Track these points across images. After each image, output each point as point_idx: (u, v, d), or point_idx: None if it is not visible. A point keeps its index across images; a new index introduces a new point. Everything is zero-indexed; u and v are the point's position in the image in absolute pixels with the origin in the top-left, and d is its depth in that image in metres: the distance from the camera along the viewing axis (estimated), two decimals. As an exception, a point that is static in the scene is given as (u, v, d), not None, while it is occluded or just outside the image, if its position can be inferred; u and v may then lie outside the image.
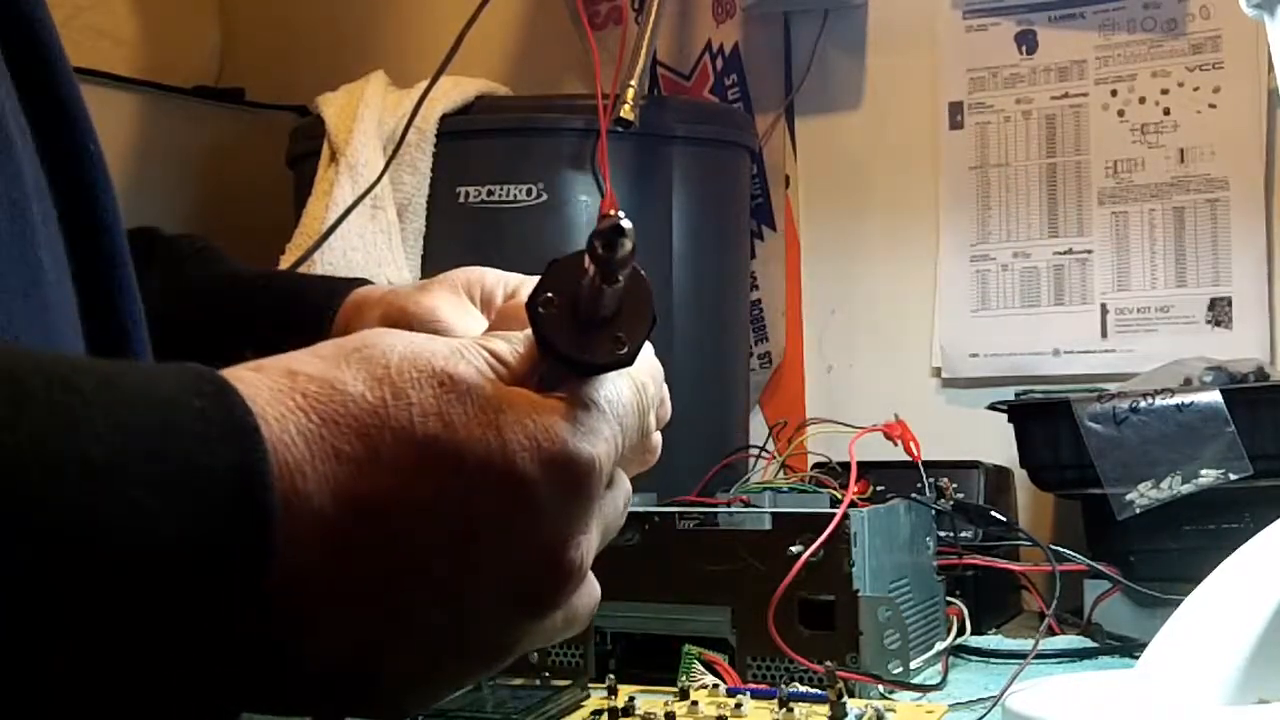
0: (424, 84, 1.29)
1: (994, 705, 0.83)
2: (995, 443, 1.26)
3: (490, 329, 0.65)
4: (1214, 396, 1.06)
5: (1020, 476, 1.27)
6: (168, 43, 1.75)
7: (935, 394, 1.48)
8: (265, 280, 0.77)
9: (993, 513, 1.13)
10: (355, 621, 0.36)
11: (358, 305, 0.69)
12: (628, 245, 0.40)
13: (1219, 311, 1.35)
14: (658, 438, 0.49)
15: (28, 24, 0.46)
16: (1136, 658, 0.83)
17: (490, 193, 1.26)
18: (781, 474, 1.14)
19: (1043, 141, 1.43)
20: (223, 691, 0.34)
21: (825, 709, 0.80)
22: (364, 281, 0.72)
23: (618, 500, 0.44)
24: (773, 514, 0.92)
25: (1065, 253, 1.42)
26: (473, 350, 0.41)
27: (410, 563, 0.37)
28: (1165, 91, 1.37)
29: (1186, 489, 1.06)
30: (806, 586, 0.88)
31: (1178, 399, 1.07)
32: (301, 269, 1.22)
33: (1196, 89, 1.36)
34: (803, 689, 0.84)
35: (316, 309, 0.70)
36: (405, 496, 0.37)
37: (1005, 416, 1.20)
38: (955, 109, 1.47)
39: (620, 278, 0.41)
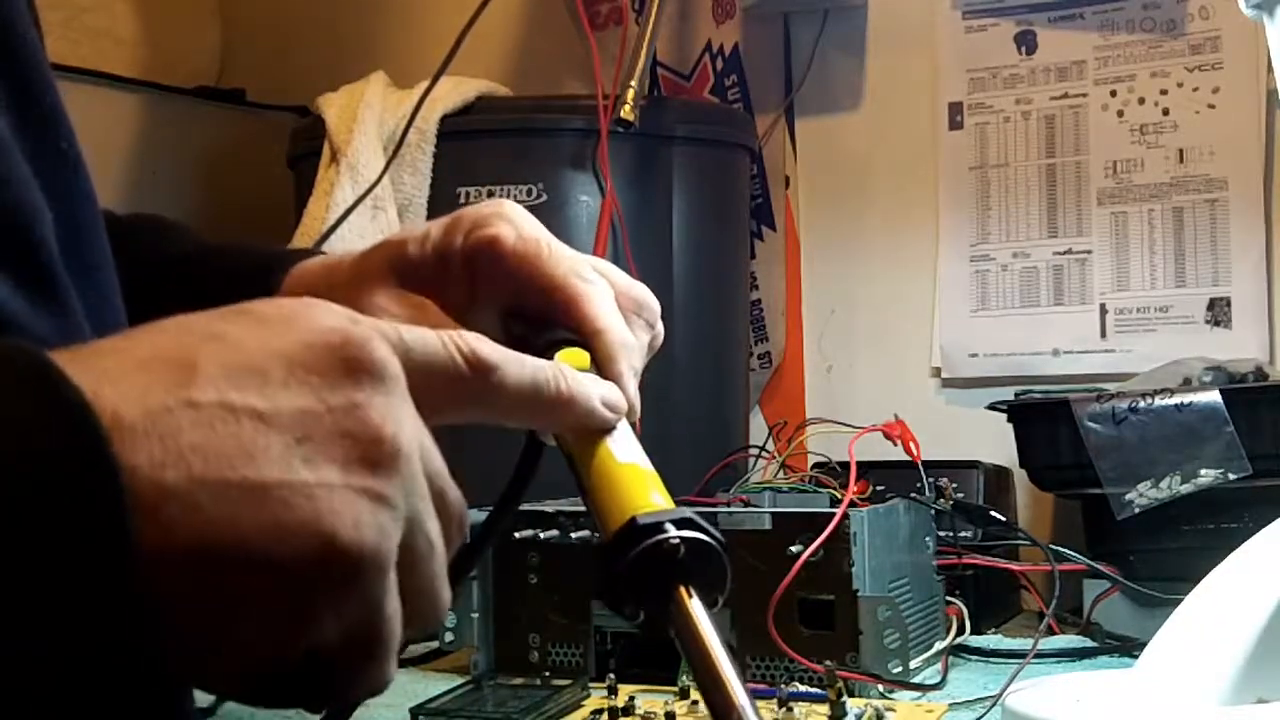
0: (424, 84, 1.29)
1: (993, 705, 0.83)
2: (995, 443, 1.26)
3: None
4: (1213, 396, 1.06)
5: (1020, 476, 1.27)
6: (168, 43, 1.75)
7: (935, 394, 1.48)
8: (209, 260, 0.74)
9: (992, 513, 1.13)
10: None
11: (297, 281, 0.67)
12: None
13: (1218, 311, 1.35)
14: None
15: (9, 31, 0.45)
16: (1136, 657, 0.83)
17: (490, 193, 1.26)
18: (781, 474, 1.14)
19: (1042, 142, 1.43)
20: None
21: (825, 709, 0.80)
22: (312, 252, 0.70)
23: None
24: (773, 514, 0.92)
25: (1065, 253, 1.42)
26: None
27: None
28: (1164, 92, 1.37)
29: (1186, 489, 1.06)
30: (806, 586, 0.88)
31: (1177, 399, 1.07)
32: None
33: (1196, 89, 1.36)
34: (803, 689, 0.85)
35: (259, 285, 0.67)
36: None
37: (1005, 416, 1.20)
38: (955, 109, 1.47)
39: None
